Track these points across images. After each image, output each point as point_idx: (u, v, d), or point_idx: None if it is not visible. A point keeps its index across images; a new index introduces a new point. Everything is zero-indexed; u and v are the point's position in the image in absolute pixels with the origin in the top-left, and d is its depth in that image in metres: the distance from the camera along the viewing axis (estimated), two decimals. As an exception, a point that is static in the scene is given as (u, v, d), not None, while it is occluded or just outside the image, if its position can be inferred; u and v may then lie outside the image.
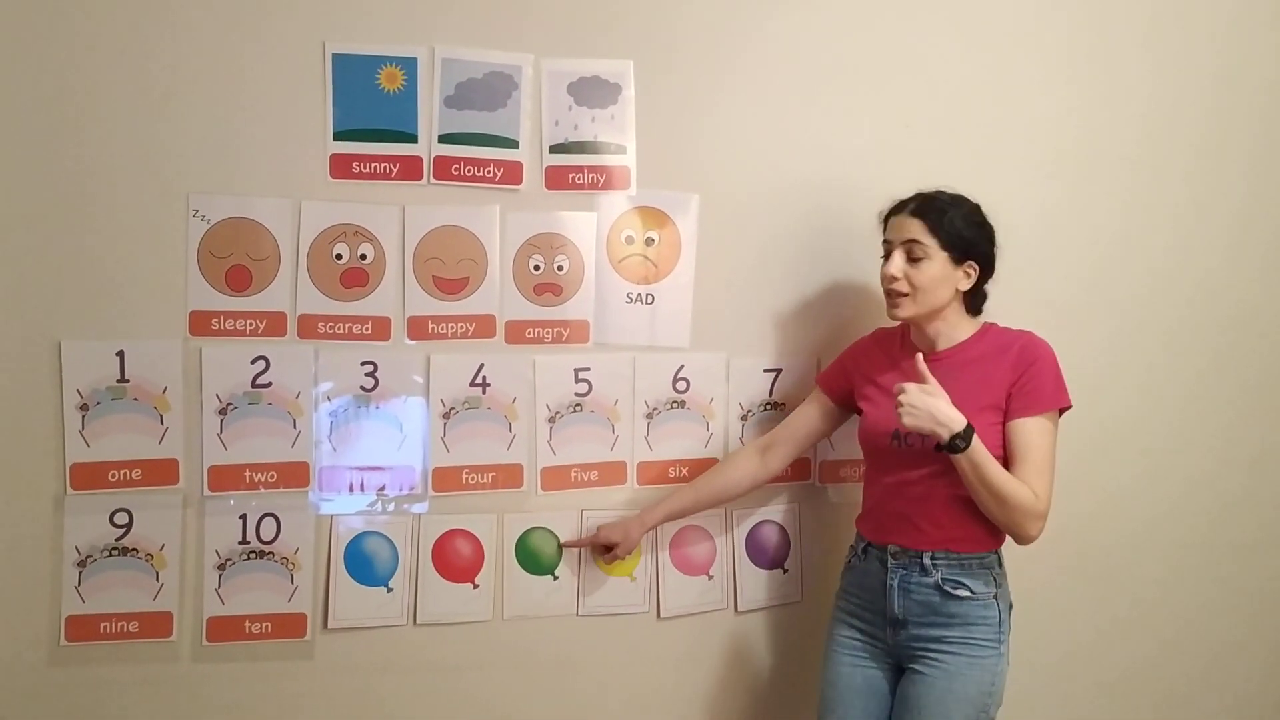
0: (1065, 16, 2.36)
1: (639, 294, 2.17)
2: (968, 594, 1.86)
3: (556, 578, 2.15)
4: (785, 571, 2.29)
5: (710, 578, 2.24)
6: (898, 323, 2.01)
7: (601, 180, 2.13)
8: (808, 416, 2.12)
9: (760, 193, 2.21)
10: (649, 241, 2.17)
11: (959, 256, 1.89)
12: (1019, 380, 1.85)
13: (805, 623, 2.29)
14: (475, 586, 2.11)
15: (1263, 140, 2.48)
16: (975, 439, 1.76)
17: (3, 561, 1.92)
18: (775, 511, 2.28)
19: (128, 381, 1.95)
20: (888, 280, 1.90)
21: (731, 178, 2.19)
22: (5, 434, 1.91)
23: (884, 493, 1.96)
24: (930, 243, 1.87)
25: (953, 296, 1.91)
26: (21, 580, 1.93)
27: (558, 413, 2.14)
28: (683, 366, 2.20)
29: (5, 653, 1.93)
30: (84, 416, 1.93)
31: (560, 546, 2.15)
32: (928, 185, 1.94)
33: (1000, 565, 1.92)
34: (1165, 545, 2.48)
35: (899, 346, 2.02)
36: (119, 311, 1.94)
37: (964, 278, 1.91)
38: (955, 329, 1.94)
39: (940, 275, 1.88)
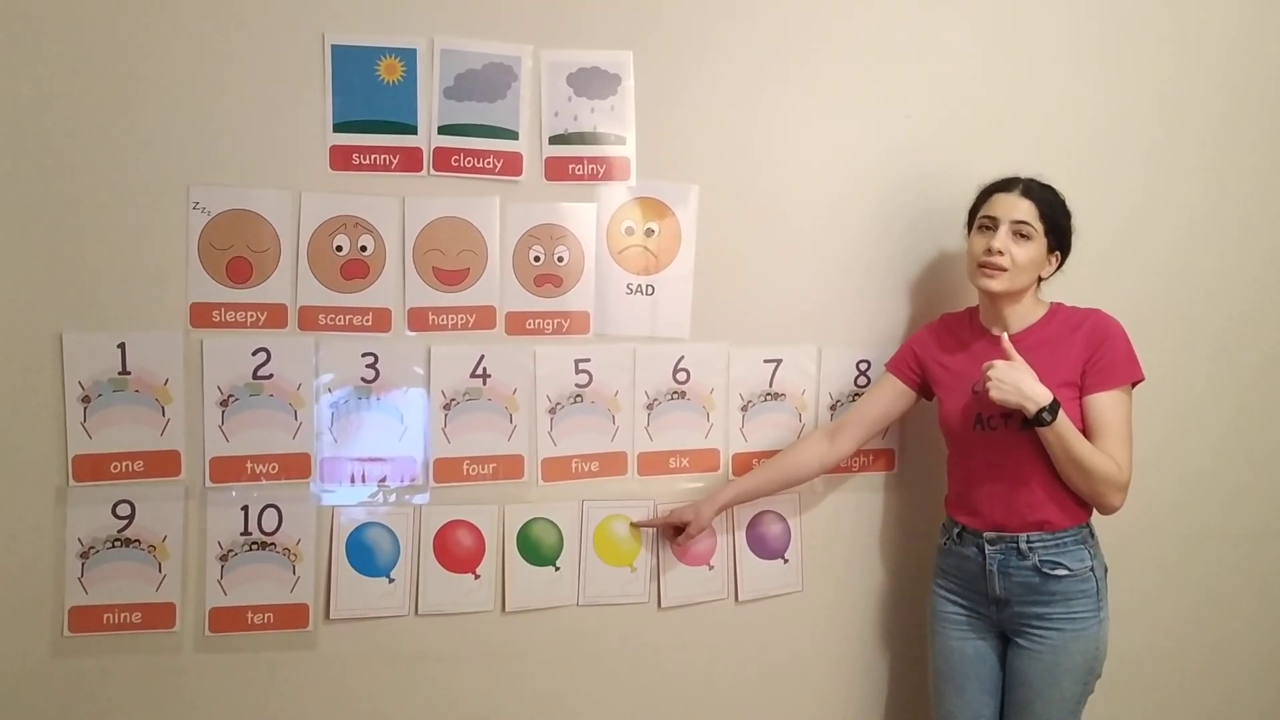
0: (1074, 4, 2.35)
1: (639, 285, 2.17)
2: (1066, 572, 1.92)
3: (558, 568, 2.16)
4: (786, 561, 2.29)
5: (711, 568, 2.24)
6: (961, 309, 2.11)
7: (601, 171, 2.13)
8: (877, 400, 2.14)
9: (760, 183, 2.21)
10: (649, 232, 2.17)
11: (1053, 244, 1.97)
12: (1092, 357, 1.91)
13: (806, 613, 2.30)
14: (476, 577, 2.12)
15: (1272, 141, 2.47)
16: (1061, 413, 1.82)
17: (6, 553, 1.93)
18: (776, 502, 2.27)
19: (129, 373, 1.95)
20: (991, 253, 1.93)
21: (731, 168, 2.19)
22: (7, 426, 1.92)
23: (971, 477, 2.01)
24: (1038, 227, 1.95)
25: (1034, 281, 1.98)
26: (25, 572, 1.94)
27: (558, 404, 2.14)
28: (683, 357, 2.21)
29: (9, 644, 1.94)
30: (86, 408, 1.93)
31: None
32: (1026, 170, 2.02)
33: (1093, 535, 1.98)
34: (1168, 537, 2.48)
35: (969, 329, 2.07)
36: (120, 303, 1.94)
37: (1049, 265, 1.99)
38: (1029, 311, 1.99)
39: (1037, 259, 1.95)
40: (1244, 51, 2.44)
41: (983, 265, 1.94)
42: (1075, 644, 1.92)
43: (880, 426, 2.17)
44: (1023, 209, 1.95)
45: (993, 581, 1.96)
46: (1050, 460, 1.89)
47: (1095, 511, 1.96)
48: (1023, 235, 1.94)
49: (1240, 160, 2.46)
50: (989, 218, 1.98)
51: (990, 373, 1.85)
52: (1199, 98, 2.42)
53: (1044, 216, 1.95)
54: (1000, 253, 1.92)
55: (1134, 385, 1.94)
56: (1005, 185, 2.00)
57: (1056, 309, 2.01)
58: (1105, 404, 1.89)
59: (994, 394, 1.83)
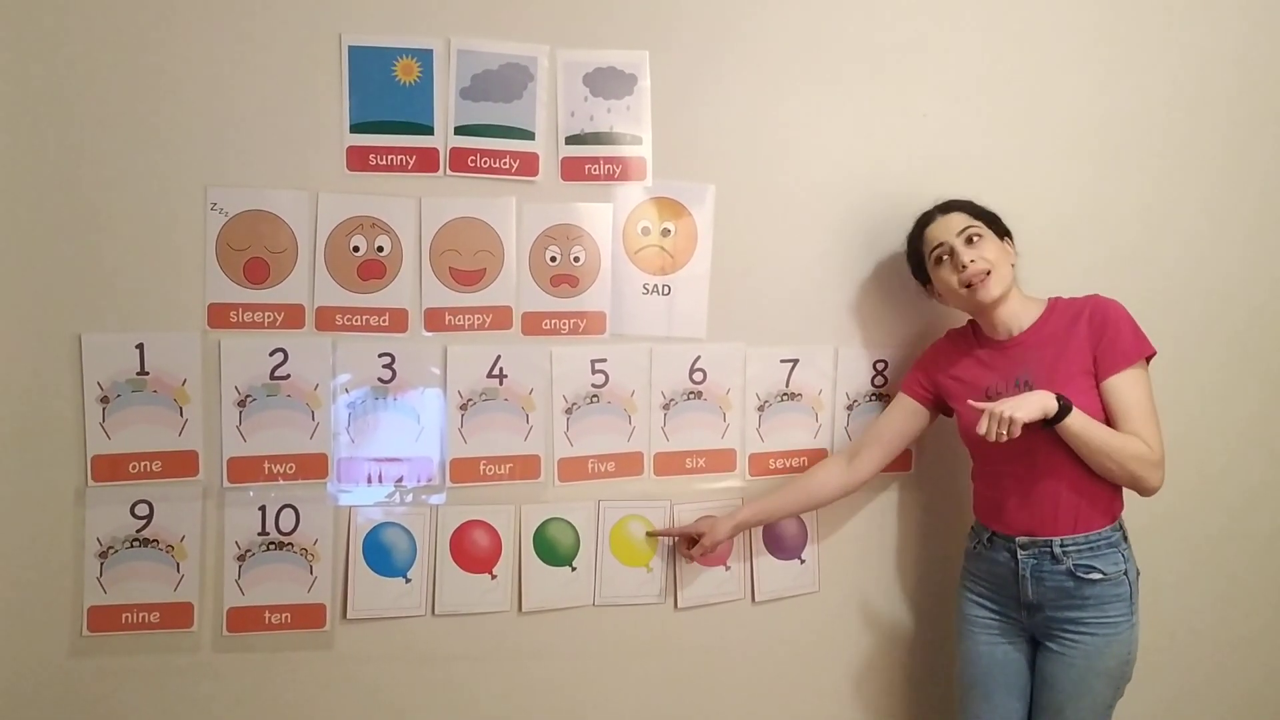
0: (1091, 2, 2.34)
1: (655, 285, 2.17)
2: (1100, 576, 1.90)
3: (574, 569, 2.16)
4: (802, 562, 2.29)
5: (727, 568, 2.24)
6: (964, 323, 2.11)
7: (618, 171, 2.13)
8: (893, 421, 2.14)
9: (776, 182, 2.21)
10: (665, 232, 2.17)
11: (999, 233, 2.00)
12: (1099, 341, 1.90)
13: (822, 613, 2.30)
14: (493, 577, 2.12)
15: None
16: (1074, 408, 1.81)
17: (25, 553, 1.94)
18: (792, 502, 2.27)
19: (147, 374, 1.96)
20: (966, 267, 1.93)
21: (748, 168, 2.19)
22: (27, 427, 1.93)
23: (997, 483, 1.99)
24: (978, 223, 1.98)
25: (1013, 274, 1.99)
26: (44, 571, 1.95)
27: (575, 404, 2.14)
28: (699, 357, 2.20)
29: (29, 643, 1.95)
30: (104, 409, 1.94)
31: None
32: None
33: (1125, 539, 1.96)
34: (1187, 536, 2.46)
35: (973, 342, 2.07)
36: (138, 304, 1.95)
37: (1011, 252, 2.01)
38: (1024, 309, 1.99)
39: (1000, 249, 1.97)
40: (1257, 44, 2.43)
41: (968, 284, 1.94)
42: (1108, 648, 1.90)
43: (898, 447, 2.15)
44: (957, 220, 1.99)
45: (1025, 586, 1.95)
46: (1074, 458, 1.87)
47: (1137, 495, 1.92)
48: (976, 238, 1.96)
49: (1257, 155, 2.44)
50: (939, 245, 1.99)
51: (990, 420, 1.78)
52: (1211, 97, 2.41)
53: (977, 215, 2.00)
54: (972, 260, 1.93)
55: (1148, 360, 1.92)
56: (925, 219, 2.05)
57: (1054, 303, 2.00)
58: (1124, 385, 1.88)
59: (1015, 426, 1.75)
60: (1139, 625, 1.94)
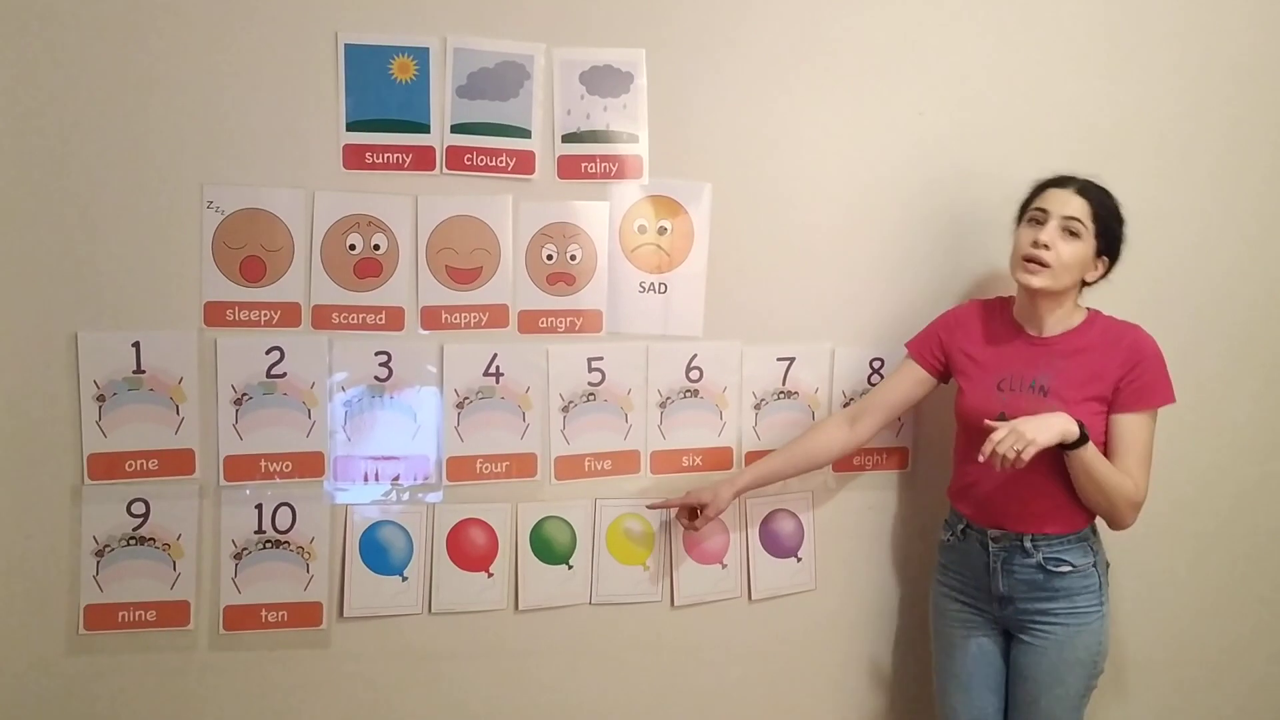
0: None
1: (652, 283, 2.17)
2: (1069, 568, 1.92)
3: (571, 567, 2.16)
4: (799, 560, 2.29)
5: (724, 566, 2.24)
6: (993, 297, 2.08)
7: (614, 169, 2.13)
8: (898, 384, 2.12)
9: (773, 180, 2.20)
10: (662, 230, 2.17)
11: (1102, 247, 1.93)
12: (1128, 376, 1.88)
13: (819, 611, 2.30)
14: (489, 575, 2.12)
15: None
16: (1090, 440, 1.80)
17: (22, 551, 1.94)
18: (789, 500, 2.27)
19: (144, 372, 1.96)
20: (1036, 245, 1.89)
21: (744, 166, 2.18)
22: (23, 425, 1.93)
23: (982, 471, 1.93)
24: (1090, 227, 1.90)
25: (1077, 284, 1.95)
26: (40, 570, 1.95)
27: (571, 402, 2.14)
28: (696, 355, 2.20)
29: (25, 641, 1.95)
30: (101, 407, 1.94)
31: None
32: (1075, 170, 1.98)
33: (1095, 532, 1.97)
34: (1178, 535, 2.46)
35: (1001, 323, 2.03)
36: (134, 303, 1.95)
37: (1094, 270, 1.94)
38: (1069, 315, 1.96)
39: (1083, 259, 1.91)
40: (1259, 44, 2.42)
41: (1027, 259, 1.90)
42: (1079, 639, 1.92)
43: (900, 411, 2.15)
44: (1075, 205, 1.90)
45: (996, 579, 1.96)
46: (1060, 466, 1.86)
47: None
48: (1072, 233, 1.89)
49: (1256, 154, 2.43)
50: (1040, 210, 1.92)
51: (1008, 436, 1.73)
52: (1213, 93, 2.40)
53: (1096, 217, 1.90)
54: (1046, 246, 1.87)
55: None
56: (1060, 181, 1.95)
57: (1095, 316, 1.97)
58: (1133, 425, 1.88)
59: (1026, 454, 1.72)
60: (1109, 617, 1.96)
